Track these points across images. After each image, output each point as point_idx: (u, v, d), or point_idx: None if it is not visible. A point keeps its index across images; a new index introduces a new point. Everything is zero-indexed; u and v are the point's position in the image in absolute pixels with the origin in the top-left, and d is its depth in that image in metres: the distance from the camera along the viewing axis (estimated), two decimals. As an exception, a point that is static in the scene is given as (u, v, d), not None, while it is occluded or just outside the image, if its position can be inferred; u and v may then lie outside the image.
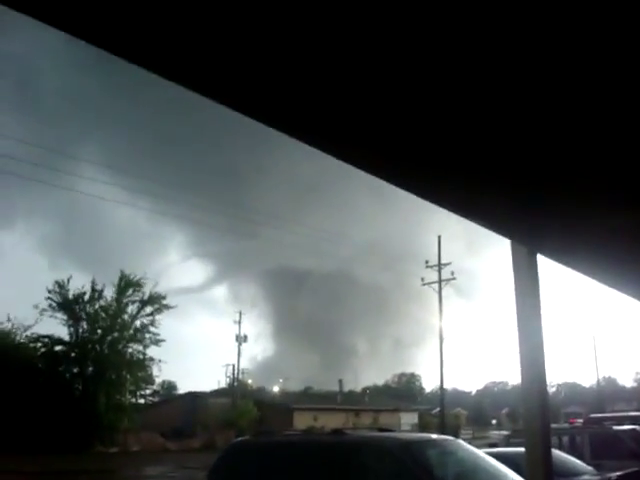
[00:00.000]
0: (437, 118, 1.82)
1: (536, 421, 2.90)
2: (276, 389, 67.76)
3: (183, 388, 69.83)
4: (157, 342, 44.63)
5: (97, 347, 42.54)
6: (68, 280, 42.61)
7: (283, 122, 1.81)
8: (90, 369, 42.27)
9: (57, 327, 47.02)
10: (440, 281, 43.27)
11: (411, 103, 1.73)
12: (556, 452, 11.14)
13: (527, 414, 2.95)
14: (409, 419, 57.64)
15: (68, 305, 42.48)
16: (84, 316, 42.73)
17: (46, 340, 42.38)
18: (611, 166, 2.31)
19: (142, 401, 47.39)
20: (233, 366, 58.16)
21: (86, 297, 42.94)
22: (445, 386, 44.05)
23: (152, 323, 44.40)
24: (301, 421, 46.80)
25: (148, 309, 44.38)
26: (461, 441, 9.73)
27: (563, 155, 2.15)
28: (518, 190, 2.45)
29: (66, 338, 42.88)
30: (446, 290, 43.94)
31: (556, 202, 2.59)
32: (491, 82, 1.67)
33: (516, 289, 3.04)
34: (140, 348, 44.38)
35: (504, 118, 1.85)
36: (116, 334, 43.18)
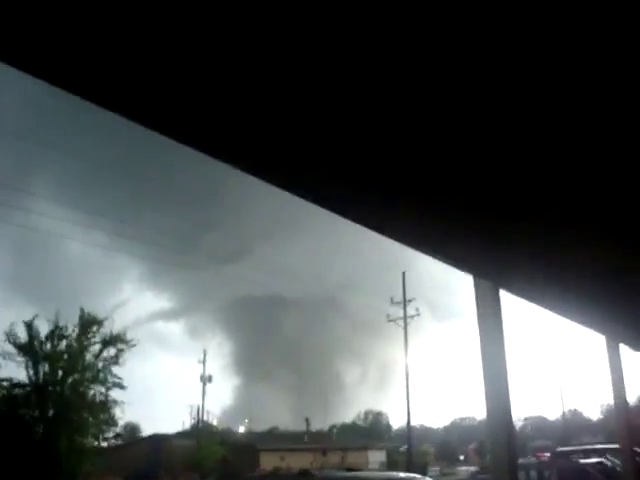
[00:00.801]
0: (402, 154, 1.84)
1: (503, 454, 2.93)
2: (242, 429, 66.73)
3: (147, 430, 68.24)
4: (121, 386, 43.79)
5: (58, 389, 41.54)
6: (33, 318, 41.58)
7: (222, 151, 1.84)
8: (51, 412, 41.21)
9: (16, 370, 45.59)
10: (405, 317, 43.38)
11: (372, 134, 1.76)
12: (524, 487, 11.17)
13: (494, 447, 2.98)
14: (377, 457, 57.06)
15: (28, 346, 41.46)
16: (43, 357, 41.70)
17: (5, 383, 41.24)
18: (573, 207, 2.38)
19: (105, 444, 46.23)
20: (198, 407, 57.20)
21: (42, 337, 41.85)
22: (412, 423, 43.80)
23: (116, 362, 43.58)
24: (268, 461, 46.07)
25: (112, 350, 43.55)
26: (428, 478, 9.70)
27: (528, 194, 2.21)
28: (483, 229, 2.50)
29: (25, 380, 41.78)
30: (412, 325, 44.04)
31: (521, 240, 2.65)
32: (454, 114, 1.71)
33: (479, 324, 3.09)
34: (102, 390, 43.47)
35: (466, 153, 1.89)
36: (77, 375, 42.26)
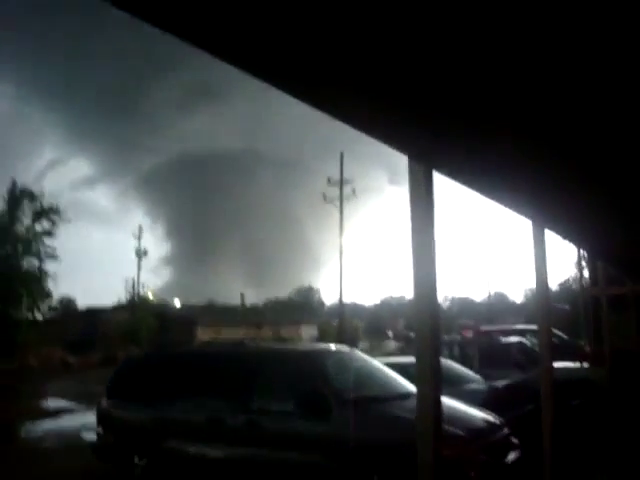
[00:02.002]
0: (335, 24, 1.75)
1: (427, 331, 3.02)
2: (178, 303, 67.59)
3: (83, 304, 68.31)
4: (53, 256, 43.40)
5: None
6: None
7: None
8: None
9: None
10: (342, 199, 43.85)
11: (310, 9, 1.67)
12: (447, 362, 11.72)
13: (419, 326, 3.06)
14: (310, 332, 59.02)
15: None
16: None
17: None
18: (502, 92, 2.35)
19: (40, 317, 46.34)
20: (133, 280, 57.49)
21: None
22: (344, 300, 45.23)
23: (49, 234, 43.00)
24: (204, 335, 47.13)
25: (45, 223, 42.86)
26: (357, 350, 10.09)
27: (464, 73, 2.16)
28: (419, 106, 2.44)
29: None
30: (348, 207, 44.61)
31: (457, 121, 2.62)
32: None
33: (411, 205, 3.10)
34: (35, 262, 43.09)
35: (403, 26, 1.81)
36: (8, 248, 41.67)
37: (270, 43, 1.82)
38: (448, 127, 2.69)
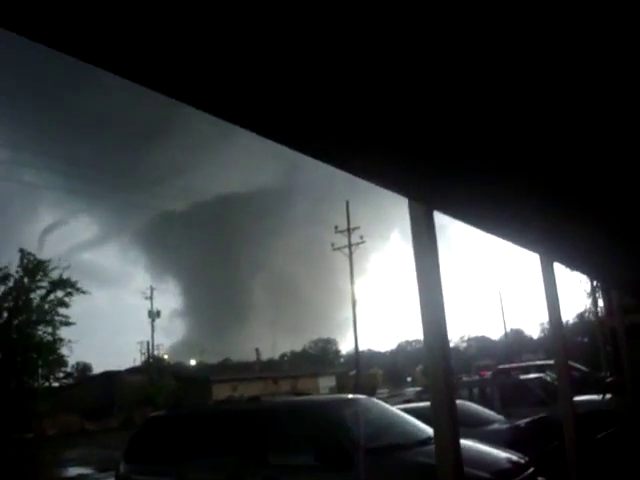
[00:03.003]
0: (331, 74, 1.77)
1: (439, 374, 2.98)
2: (193, 362, 67.27)
3: (98, 369, 68.23)
4: (68, 324, 43.41)
5: (4, 331, 41.00)
6: None
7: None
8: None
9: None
10: (350, 245, 43.91)
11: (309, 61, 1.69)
12: (467, 404, 11.58)
13: (431, 368, 3.03)
14: (327, 382, 58.49)
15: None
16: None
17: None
18: (501, 131, 2.36)
19: (56, 384, 46.14)
20: (147, 342, 57.40)
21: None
22: (360, 348, 44.91)
23: (62, 304, 43.13)
24: (220, 392, 46.68)
25: (59, 293, 43.05)
26: (374, 399, 9.97)
27: (463, 117, 2.17)
28: (416, 149, 2.46)
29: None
30: (357, 254, 44.66)
31: (457, 165, 2.63)
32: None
33: (414, 247, 3.09)
34: (49, 330, 43.13)
35: (405, 72, 1.82)
36: (23, 317, 41.74)
37: (268, 100, 1.84)
38: (448, 171, 2.70)
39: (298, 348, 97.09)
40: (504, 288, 67.82)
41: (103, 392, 50.30)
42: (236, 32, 1.45)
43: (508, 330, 74.17)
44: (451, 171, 2.73)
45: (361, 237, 44.55)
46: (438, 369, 2.99)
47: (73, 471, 21.88)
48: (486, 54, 1.75)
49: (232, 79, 1.67)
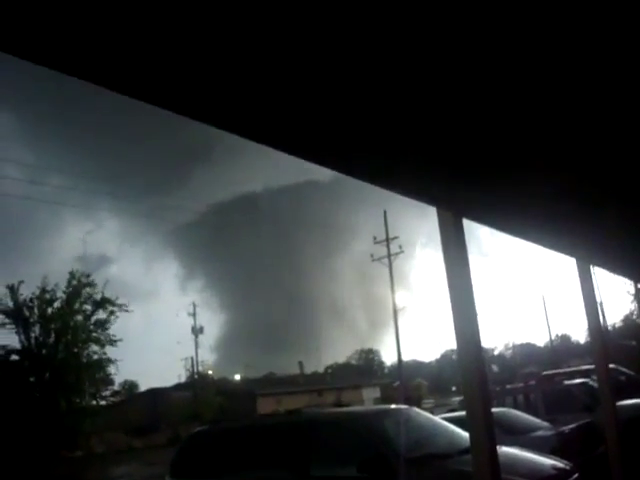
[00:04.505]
0: (353, 78, 1.76)
1: (474, 383, 2.97)
2: (238, 377, 67.54)
3: (145, 386, 69.00)
4: (113, 342, 44.06)
5: (52, 352, 41.78)
6: (19, 284, 41.38)
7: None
8: (47, 375, 41.54)
9: (7, 336, 45.31)
10: (389, 255, 43.77)
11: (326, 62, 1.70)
12: (511, 411, 11.45)
13: (466, 377, 3.02)
14: (371, 394, 58.20)
15: (16, 311, 41.40)
16: (34, 322, 41.79)
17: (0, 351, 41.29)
18: (530, 133, 2.35)
19: (103, 402, 46.78)
20: (192, 359, 57.87)
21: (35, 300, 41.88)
22: (404, 358, 44.67)
23: (107, 322, 43.85)
24: (265, 406, 46.83)
25: (101, 313, 43.80)
26: (415, 408, 9.92)
27: (485, 123, 2.17)
28: (443, 158, 2.46)
29: (18, 346, 41.88)
30: (396, 263, 44.51)
31: (479, 167, 2.63)
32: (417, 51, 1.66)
33: (445, 255, 3.09)
34: (96, 349, 43.83)
35: (427, 83, 1.83)
36: (70, 337, 42.45)
37: (286, 114, 1.86)
38: (475, 178, 2.71)
39: (341, 360, 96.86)
40: (549, 293, 66.85)
41: (149, 409, 50.76)
42: (234, 38, 1.46)
43: (554, 336, 73.09)
44: (478, 178, 2.73)
45: (400, 247, 44.38)
46: (472, 378, 2.98)
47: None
48: (510, 58, 1.75)
49: (228, 85, 1.67)
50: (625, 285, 33.69)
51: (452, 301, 3.06)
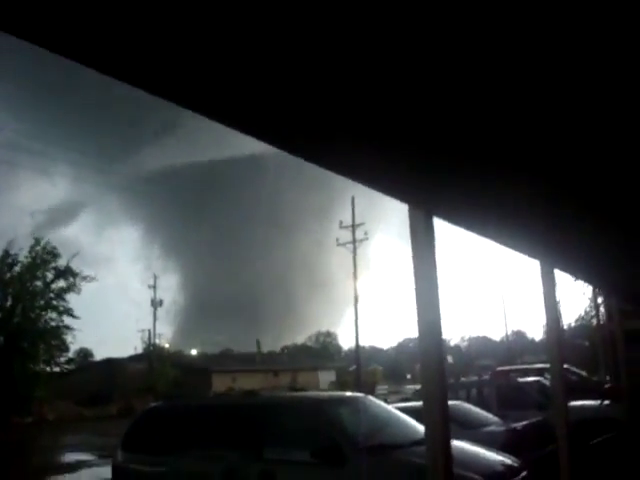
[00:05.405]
0: (328, 68, 1.73)
1: (433, 377, 3.02)
2: (194, 352, 67.37)
3: (100, 355, 68.44)
4: (70, 313, 43.58)
5: (8, 316, 41.21)
6: None
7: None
8: (1, 339, 41.01)
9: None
10: (354, 241, 43.94)
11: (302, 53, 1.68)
12: (464, 405, 11.60)
13: (425, 371, 3.06)
14: (327, 377, 58.54)
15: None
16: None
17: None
18: (500, 136, 2.37)
19: (57, 369, 46.30)
20: (149, 331, 57.53)
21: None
22: (362, 343, 45.03)
23: (69, 291, 43.34)
24: (220, 382, 46.89)
25: (62, 282, 43.26)
26: (371, 397, 10.01)
27: (462, 120, 2.17)
28: (416, 156, 2.47)
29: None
30: (361, 250, 44.72)
31: (453, 167, 2.64)
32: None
33: (413, 250, 3.13)
34: (54, 316, 43.31)
35: (403, 79, 1.82)
36: (27, 302, 41.90)
37: (265, 103, 1.85)
38: (446, 176, 2.72)
39: (300, 341, 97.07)
40: (508, 290, 67.78)
41: (104, 379, 50.47)
42: (221, 30, 1.46)
43: (510, 332, 74.19)
44: (449, 177, 2.74)
45: (365, 233, 44.60)
46: (431, 372, 3.03)
47: (71, 457, 21.99)
48: (487, 53, 1.74)
49: (208, 71, 1.65)
50: (582, 287, 34.26)
51: (417, 296, 3.10)
